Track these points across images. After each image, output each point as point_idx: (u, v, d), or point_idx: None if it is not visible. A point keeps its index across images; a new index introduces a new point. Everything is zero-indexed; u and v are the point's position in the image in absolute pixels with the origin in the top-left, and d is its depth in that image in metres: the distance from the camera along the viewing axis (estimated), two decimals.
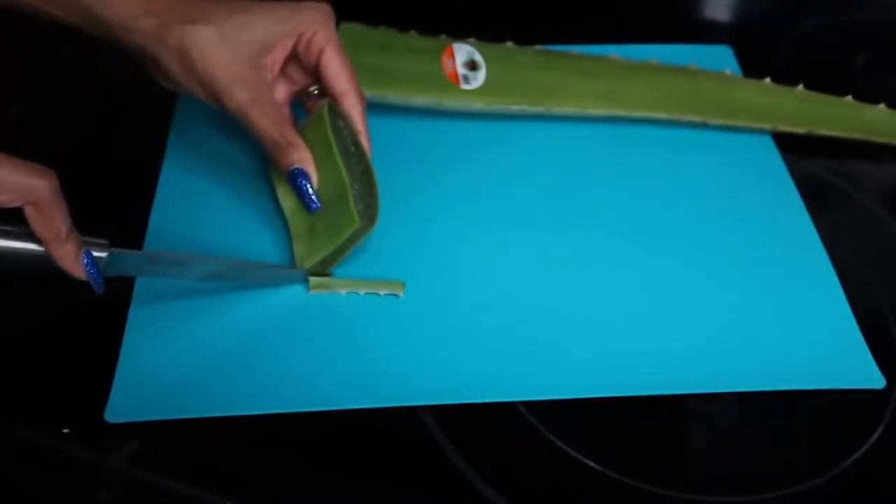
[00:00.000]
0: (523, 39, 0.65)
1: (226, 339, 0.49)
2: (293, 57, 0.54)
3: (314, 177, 0.52)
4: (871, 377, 0.49)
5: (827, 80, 0.65)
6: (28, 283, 0.48)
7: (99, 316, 0.49)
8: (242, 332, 0.50)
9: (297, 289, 0.52)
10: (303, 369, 0.48)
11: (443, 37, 0.64)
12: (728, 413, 0.49)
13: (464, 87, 0.61)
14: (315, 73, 0.54)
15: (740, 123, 0.63)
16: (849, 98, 0.64)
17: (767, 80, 0.65)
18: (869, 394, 0.49)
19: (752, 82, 0.65)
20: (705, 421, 0.49)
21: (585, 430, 0.47)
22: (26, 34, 0.67)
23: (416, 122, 0.62)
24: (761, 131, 0.64)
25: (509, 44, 0.65)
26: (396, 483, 0.45)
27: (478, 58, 0.62)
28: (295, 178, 0.51)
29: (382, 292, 0.52)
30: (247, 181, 0.57)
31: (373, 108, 0.55)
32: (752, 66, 0.68)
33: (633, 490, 0.45)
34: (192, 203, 0.56)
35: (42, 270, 0.45)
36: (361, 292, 0.52)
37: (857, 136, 0.63)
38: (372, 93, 0.57)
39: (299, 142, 0.51)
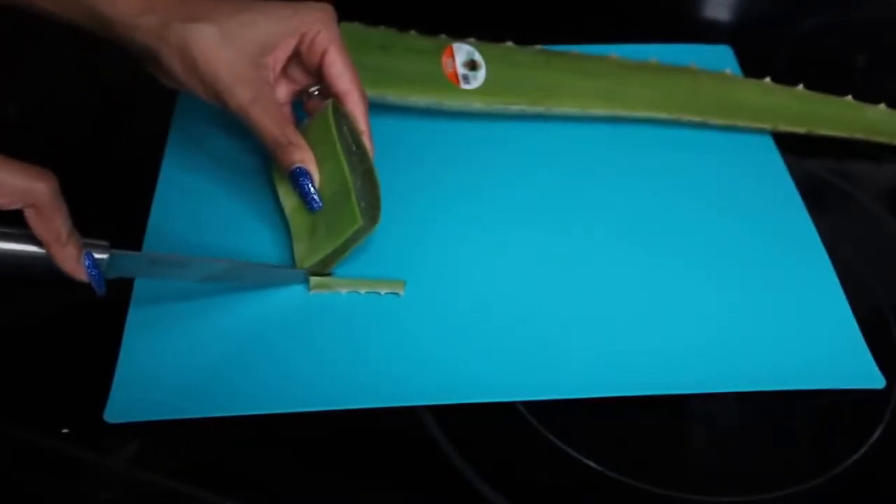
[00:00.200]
0: (523, 39, 0.65)
1: (226, 339, 0.49)
2: (295, 56, 0.54)
3: (316, 176, 0.52)
4: (871, 377, 0.49)
5: (827, 80, 0.65)
6: (27, 283, 0.48)
7: (98, 316, 0.49)
8: (242, 332, 0.50)
9: (298, 289, 0.52)
10: (303, 369, 0.48)
11: (443, 37, 0.64)
12: (728, 413, 0.49)
13: (464, 86, 0.61)
14: (317, 73, 0.54)
15: (740, 123, 0.63)
16: (849, 98, 0.64)
17: (767, 80, 0.65)
18: (869, 394, 0.49)
19: (752, 82, 0.65)
20: (705, 421, 0.49)
21: (585, 430, 0.47)
22: (26, 34, 0.67)
23: (416, 122, 0.62)
24: (761, 131, 0.64)
25: (509, 44, 0.65)
26: (396, 483, 0.45)
27: (478, 58, 0.62)
28: (296, 178, 0.51)
29: (383, 291, 0.52)
30: (247, 180, 0.57)
31: (373, 108, 0.55)
32: (752, 66, 0.68)
33: (633, 490, 0.45)
34: (192, 202, 0.56)
35: (42, 273, 0.45)
36: (362, 291, 0.52)
37: (857, 136, 0.63)
38: (372, 93, 0.57)
39: (301, 141, 0.51)
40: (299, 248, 0.53)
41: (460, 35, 0.64)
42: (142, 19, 0.50)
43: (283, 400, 0.47)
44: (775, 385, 0.49)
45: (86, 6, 0.50)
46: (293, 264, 0.53)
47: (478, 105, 0.61)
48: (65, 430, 0.46)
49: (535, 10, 0.75)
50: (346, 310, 0.51)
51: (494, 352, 0.49)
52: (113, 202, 0.57)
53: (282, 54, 0.52)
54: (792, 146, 0.63)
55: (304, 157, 0.51)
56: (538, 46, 0.65)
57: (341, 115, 0.53)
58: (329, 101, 0.54)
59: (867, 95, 0.64)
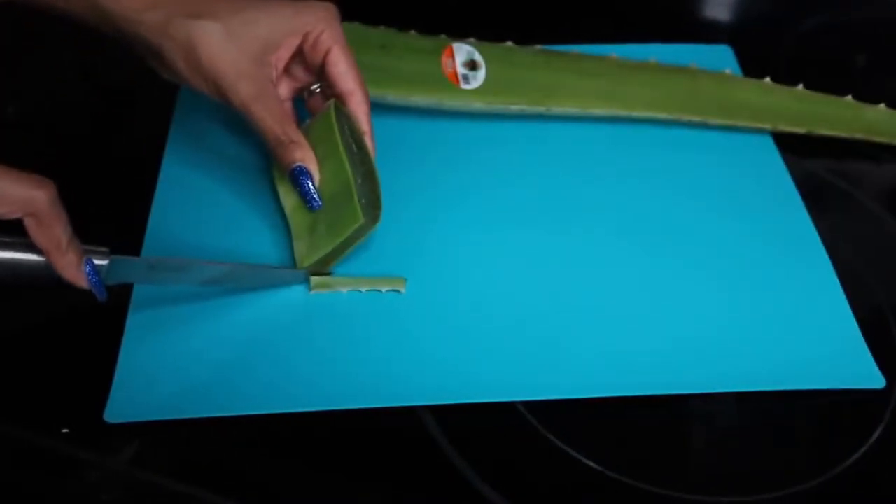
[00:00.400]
0: (523, 39, 0.65)
1: (226, 339, 0.49)
2: (298, 55, 0.54)
3: (316, 175, 0.52)
4: (871, 377, 0.49)
5: (827, 80, 0.65)
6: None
7: (99, 315, 0.49)
8: (243, 332, 0.50)
9: (298, 288, 0.52)
10: (303, 369, 0.48)
11: (443, 37, 0.64)
12: (728, 413, 0.49)
13: (464, 86, 0.61)
14: (320, 72, 0.54)
15: (740, 123, 0.63)
16: (849, 98, 0.64)
17: (767, 80, 0.65)
18: (869, 394, 0.49)
19: (752, 82, 0.65)
20: (705, 421, 0.49)
21: (585, 430, 0.47)
22: (26, 34, 0.67)
23: (416, 121, 0.62)
24: (761, 131, 0.64)
25: (509, 44, 0.65)
26: (396, 483, 0.45)
27: (478, 58, 0.62)
28: (297, 176, 0.51)
29: (384, 289, 0.52)
30: (248, 178, 0.57)
31: (373, 107, 0.55)
32: (752, 66, 0.68)
33: (633, 490, 0.45)
34: (192, 200, 0.56)
35: (43, 281, 0.45)
36: (363, 290, 0.52)
37: (857, 136, 0.63)
38: (372, 93, 0.57)
39: (302, 140, 0.51)
40: (299, 247, 0.53)
41: (460, 35, 0.64)
42: (145, 15, 0.50)
43: (283, 400, 0.47)
44: (775, 385, 0.49)
45: (89, 0, 0.50)
46: (293, 263, 0.53)
47: (478, 105, 0.61)
48: (65, 430, 0.46)
49: (535, 10, 0.75)
50: (346, 310, 0.51)
51: (494, 352, 0.49)
52: (113, 202, 0.57)
53: (285, 53, 0.53)
54: (792, 146, 0.63)
55: (305, 156, 0.51)
56: (538, 46, 0.65)
57: (343, 115, 0.53)
58: (331, 101, 0.54)
59: (867, 95, 0.64)
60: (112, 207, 0.57)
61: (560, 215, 0.57)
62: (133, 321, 0.50)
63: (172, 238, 0.54)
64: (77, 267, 0.45)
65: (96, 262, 0.46)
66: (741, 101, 0.64)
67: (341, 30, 0.53)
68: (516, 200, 0.58)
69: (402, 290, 0.52)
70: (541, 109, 0.62)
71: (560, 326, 0.51)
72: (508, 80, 0.62)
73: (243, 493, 0.44)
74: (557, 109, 0.62)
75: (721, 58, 0.69)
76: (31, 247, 0.44)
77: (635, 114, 0.63)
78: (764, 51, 0.72)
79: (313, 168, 0.51)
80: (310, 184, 0.51)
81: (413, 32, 0.64)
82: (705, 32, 0.74)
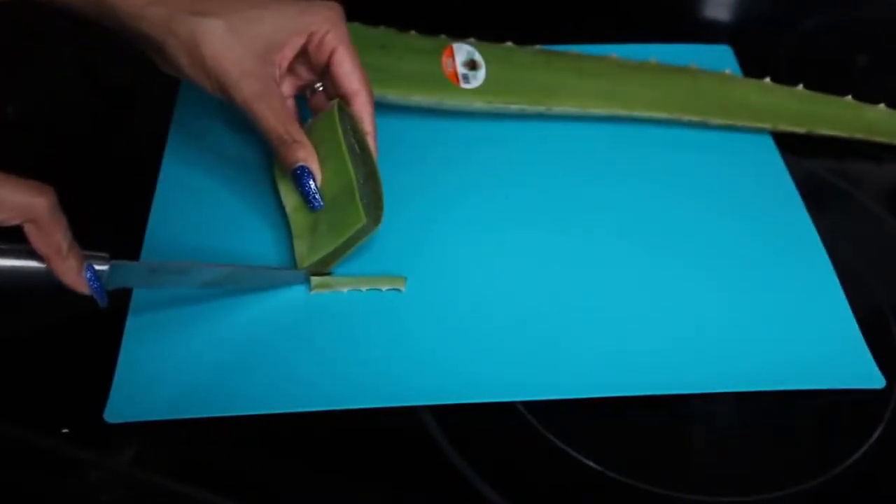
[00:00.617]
0: (523, 39, 0.65)
1: (226, 339, 0.49)
2: (301, 54, 0.54)
3: (318, 175, 0.52)
4: (871, 377, 0.49)
5: (827, 80, 0.65)
6: None
7: (99, 315, 0.49)
8: (243, 332, 0.50)
9: (298, 288, 0.52)
10: (303, 369, 0.48)
11: (443, 37, 0.64)
12: (728, 413, 0.49)
13: (464, 86, 0.61)
14: (324, 72, 0.54)
15: (740, 123, 0.63)
16: (849, 98, 0.64)
17: (767, 79, 0.65)
18: (869, 394, 0.49)
19: (752, 82, 0.65)
20: (705, 421, 0.49)
21: (585, 430, 0.47)
22: (26, 34, 0.67)
23: (416, 121, 0.62)
24: (761, 131, 0.64)
25: (509, 44, 0.65)
26: (396, 483, 0.45)
27: (478, 57, 0.62)
28: (299, 176, 0.51)
29: (384, 288, 0.52)
30: (248, 178, 0.57)
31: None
32: (752, 66, 0.68)
33: (633, 490, 0.45)
34: (192, 200, 0.56)
35: (43, 288, 0.45)
36: (364, 289, 0.52)
37: (857, 136, 0.63)
38: None
39: (304, 140, 0.51)
40: (300, 247, 0.53)
41: (460, 35, 0.64)
42: (148, 10, 0.50)
43: (283, 400, 0.47)
44: (775, 385, 0.49)
45: None
46: (293, 263, 0.53)
47: (478, 105, 0.61)
48: (65, 430, 0.46)
49: (535, 10, 0.75)
50: (347, 310, 0.51)
51: (494, 352, 0.49)
52: (113, 202, 0.57)
53: (289, 52, 0.53)
54: (792, 146, 0.63)
55: (308, 156, 0.51)
56: (538, 46, 0.65)
57: (346, 115, 0.53)
58: (335, 101, 0.54)
59: (867, 95, 0.64)
60: (112, 207, 0.57)
61: (560, 215, 0.57)
62: (133, 321, 0.50)
63: (172, 238, 0.54)
64: (78, 272, 0.45)
65: (97, 267, 0.45)
66: (741, 101, 0.64)
67: (346, 30, 0.53)
68: (516, 200, 0.58)
69: (403, 288, 0.52)
70: (541, 109, 0.62)
71: (560, 326, 0.51)
72: (508, 79, 0.62)
73: (243, 493, 0.44)
74: (557, 109, 0.62)
75: (721, 58, 0.69)
76: (31, 253, 0.44)
77: (635, 114, 0.63)
78: (764, 51, 0.72)
79: (315, 168, 0.51)
80: (312, 184, 0.51)
81: (413, 32, 0.64)
82: (705, 32, 0.74)
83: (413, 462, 0.46)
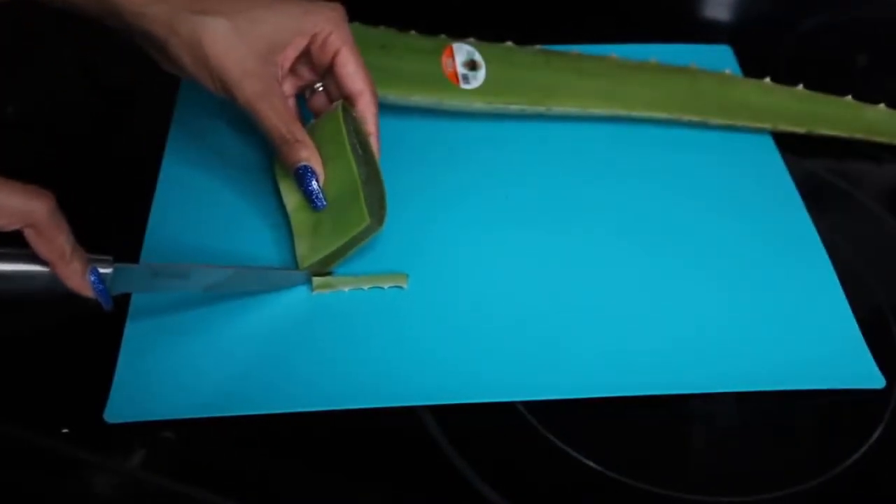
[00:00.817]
0: (523, 39, 0.65)
1: (226, 339, 0.49)
2: (303, 55, 0.54)
3: (321, 175, 0.52)
4: (871, 377, 0.49)
5: (827, 80, 0.65)
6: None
7: (99, 316, 0.49)
8: (243, 332, 0.50)
9: (300, 289, 0.52)
10: (302, 369, 0.48)
11: (443, 37, 0.64)
12: (728, 413, 0.49)
13: (464, 86, 0.61)
14: (326, 72, 0.54)
15: (740, 123, 0.63)
16: (849, 98, 0.64)
17: (767, 79, 0.65)
18: (869, 394, 0.49)
19: (752, 82, 0.65)
20: (705, 421, 0.49)
21: (585, 430, 0.47)
22: (26, 34, 0.67)
23: (416, 122, 0.62)
24: (761, 131, 0.64)
25: (509, 44, 0.65)
26: (396, 483, 0.45)
27: (478, 57, 0.62)
28: (302, 176, 0.51)
29: (387, 286, 0.52)
30: (248, 178, 0.57)
31: None
32: (752, 66, 0.68)
33: (633, 490, 0.45)
34: (193, 200, 0.56)
35: (47, 292, 0.45)
36: (366, 287, 0.52)
37: (857, 136, 0.63)
38: None
39: (307, 139, 0.51)
40: (301, 246, 0.53)
41: (460, 35, 0.64)
42: (151, 8, 0.50)
43: (283, 400, 0.47)
44: (775, 385, 0.49)
45: None
46: (294, 262, 0.53)
47: (478, 105, 0.61)
48: (65, 430, 0.46)
49: (535, 10, 0.75)
50: (347, 310, 0.51)
51: (494, 352, 0.49)
52: (113, 202, 0.57)
53: (292, 53, 0.53)
54: (792, 146, 0.63)
55: (311, 156, 0.51)
56: (538, 46, 0.65)
57: (350, 117, 0.53)
58: (339, 102, 0.54)
59: (867, 95, 0.64)
60: (112, 207, 0.57)
61: (560, 215, 0.57)
62: (133, 322, 0.50)
63: (172, 239, 0.54)
64: (82, 276, 0.45)
65: (101, 269, 0.45)
66: (741, 101, 0.64)
67: (349, 31, 0.53)
68: (516, 200, 0.58)
69: (405, 285, 0.52)
70: (541, 109, 0.62)
71: (560, 326, 0.51)
72: (508, 79, 0.62)
73: (243, 493, 0.44)
74: (557, 109, 0.62)
75: (721, 58, 0.69)
76: (34, 257, 0.44)
77: (635, 114, 0.63)
78: (764, 51, 0.72)
79: (318, 168, 0.51)
80: (314, 183, 0.51)
81: (413, 32, 0.64)
82: (705, 32, 0.74)
83: (413, 462, 0.46)
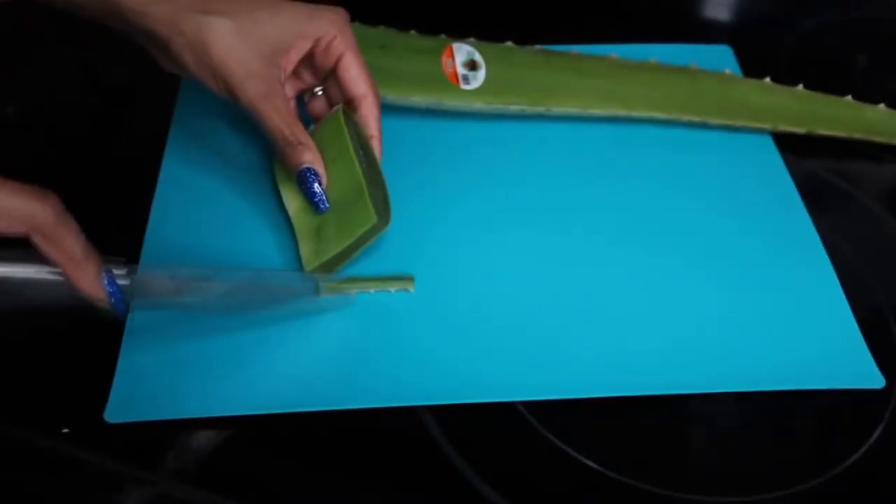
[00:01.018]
0: (523, 39, 0.65)
1: (227, 339, 0.49)
2: (306, 59, 0.54)
3: (324, 177, 0.52)
4: (871, 377, 0.49)
5: (827, 80, 0.65)
6: None
7: (99, 314, 0.49)
8: (244, 332, 0.50)
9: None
10: (303, 369, 0.48)
11: (443, 37, 0.64)
12: (728, 413, 0.49)
13: (464, 86, 0.61)
14: (328, 76, 0.54)
15: (740, 123, 0.63)
16: (849, 98, 0.64)
17: (767, 80, 0.65)
18: (869, 394, 0.49)
19: (752, 82, 0.65)
20: (705, 421, 0.49)
21: (585, 430, 0.47)
22: (26, 34, 0.67)
23: (416, 122, 0.62)
24: (761, 131, 0.64)
25: (509, 44, 0.65)
26: (396, 483, 0.45)
27: (478, 58, 0.62)
28: (305, 178, 0.51)
29: (393, 289, 0.52)
30: (249, 178, 0.57)
31: None
32: (752, 66, 0.68)
33: (633, 490, 0.45)
34: (193, 200, 0.56)
35: (59, 298, 0.43)
36: (372, 290, 0.52)
37: (857, 136, 0.63)
38: None
39: (310, 141, 0.51)
40: (305, 249, 0.53)
41: (460, 35, 0.64)
42: (153, 7, 0.50)
43: (283, 400, 0.47)
44: (775, 385, 0.49)
45: None
46: (297, 263, 0.52)
47: (478, 105, 0.61)
48: (65, 430, 0.46)
49: (535, 10, 0.75)
50: (347, 311, 0.51)
51: (494, 352, 0.49)
52: (113, 202, 0.57)
53: (295, 56, 0.52)
54: (792, 146, 0.63)
55: (314, 159, 0.51)
56: (538, 46, 0.65)
57: (350, 120, 0.53)
58: (339, 106, 0.54)
59: (867, 95, 0.64)
60: (112, 207, 0.57)
61: (560, 215, 0.57)
62: (133, 321, 0.50)
63: (173, 239, 0.54)
64: (95, 279, 0.44)
65: (116, 272, 0.44)
66: (741, 101, 0.64)
67: (353, 35, 0.53)
68: (516, 200, 0.58)
69: (412, 289, 0.52)
70: (541, 109, 0.62)
71: (560, 326, 0.51)
72: (508, 80, 0.62)
73: (243, 493, 0.44)
74: (557, 109, 0.62)
75: (721, 58, 0.69)
76: (41, 261, 0.42)
77: (635, 114, 0.63)
78: (764, 51, 0.72)
79: (321, 170, 0.51)
80: (318, 185, 0.51)
81: (413, 32, 0.64)
82: (705, 32, 0.74)
83: (413, 462, 0.46)
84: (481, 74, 0.62)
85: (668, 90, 0.64)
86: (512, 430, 0.47)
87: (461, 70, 0.62)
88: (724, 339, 0.51)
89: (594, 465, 0.46)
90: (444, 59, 0.62)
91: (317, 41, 0.52)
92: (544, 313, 0.51)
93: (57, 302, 0.44)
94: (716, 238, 0.56)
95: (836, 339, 0.51)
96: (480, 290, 0.53)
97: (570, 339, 0.50)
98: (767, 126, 0.63)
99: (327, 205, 0.52)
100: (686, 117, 0.63)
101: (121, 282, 0.45)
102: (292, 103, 0.56)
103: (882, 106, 0.64)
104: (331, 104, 0.56)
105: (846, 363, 0.50)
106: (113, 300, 0.45)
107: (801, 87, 0.64)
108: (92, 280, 0.44)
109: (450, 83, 0.61)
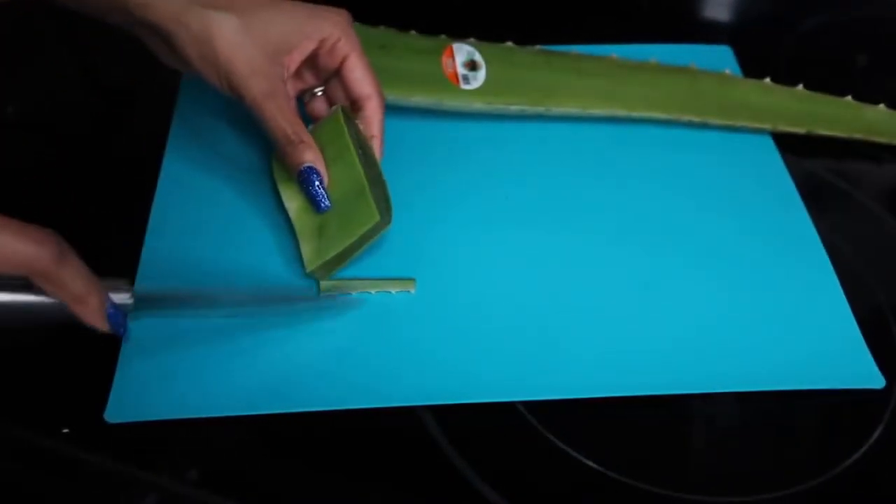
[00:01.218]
0: (523, 39, 0.65)
1: (227, 338, 0.49)
2: (308, 59, 0.54)
3: (325, 177, 0.52)
4: (871, 377, 0.50)
5: (827, 80, 0.65)
6: None
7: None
8: (244, 332, 0.50)
9: (303, 289, 0.52)
10: (303, 369, 0.48)
11: (443, 37, 0.64)
12: (728, 413, 0.49)
13: (464, 87, 0.61)
14: (331, 77, 0.54)
15: (740, 123, 0.63)
16: (849, 98, 0.64)
17: (767, 80, 0.65)
18: (869, 394, 0.49)
19: (752, 82, 0.65)
20: (705, 421, 0.49)
21: (585, 430, 0.47)
22: (26, 34, 0.67)
23: (416, 122, 0.62)
24: (761, 131, 0.64)
25: (509, 44, 0.65)
26: (396, 483, 0.45)
27: (478, 58, 0.62)
28: (306, 177, 0.51)
29: (394, 290, 0.52)
30: (249, 178, 0.57)
31: None
32: (752, 66, 0.68)
33: (633, 490, 0.45)
34: (193, 200, 0.56)
35: (56, 320, 0.43)
36: (373, 292, 0.52)
37: (857, 136, 0.63)
38: None
39: (311, 141, 0.51)
40: (307, 249, 0.52)
41: (460, 35, 0.64)
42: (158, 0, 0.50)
43: (283, 400, 0.47)
44: (775, 385, 0.49)
45: None
46: (298, 263, 0.52)
47: (478, 105, 0.61)
48: (65, 430, 0.46)
49: (535, 10, 0.75)
50: (347, 311, 0.51)
51: (494, 352, 0.49)
52: (113, 202, 0.57)
53: (298, 56, 0.52)
54: (792, 146, 0.63)
55: (316, 158, 0.51)
56: (538, 46, 0.65)
57: (350, 120, 0.53)
58: (338, 106, 0.54)
59: (867, 95, 0.64)
60: (112, 207, 0.57)
61: (560, 215, 0.57)
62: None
63: (173, 239, 0.54)
64: (98, 311, 0.43)
65: (118, 301, 0.44)
66: (741, 101, 0.64)
67: (357, 36, 0.53)
68: (516, 201, 0.58)
69: (413, 290, 0.52)
70: (541, 109, 0.62)
71: (560, 326, 0.51)
72: (508, 80, 0.62)
73: (243, 493, 0.44)
74: (557, 109, 0.62)
75: (721, 58, 0.69)
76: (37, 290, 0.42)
77: (635, 114, 0.63)
78: (764, 51, 0.72)
79: (322, 169, 0.51)
80: (319, 185, 0.51)
81: (413, 32, 0.64)
82: (705, 32, 0.74)
83: (413, 462, 0.46)
84: (481, 74, 0.62)
85: (668, 90, 0.64)
86: (512, 430, 0.47)
87: (461, 70, 0.62)
88: (724, 339, 0.51)
89: (594, 465, 0.46)
90: (444, 59, 0.62)
91: (321, 42, 0.52)
92: (544, 313, 0.51)
93: (60, 320, 0.44)
94: (716, 238, 0.56)
95: (836, 339, 0.51)
96: (480, 290, 0.53)
97: (571, 339, 0.50)
98: (767, 126, 0.63)
99: (328, 204, 0.52)
100: (686, 117, 0.63)
101: (122, 300, 0.45)
102: (293, 103, 0.56)
103: (882, 106, 0.64)
104: (331, 104, 0.56)
105: (846, 363, 0.50)
106: (116, 324, 0.45)
107: (801, 87, 0.64)
108: (95, 313, 0.43)
109: (450, 83, 0.61)
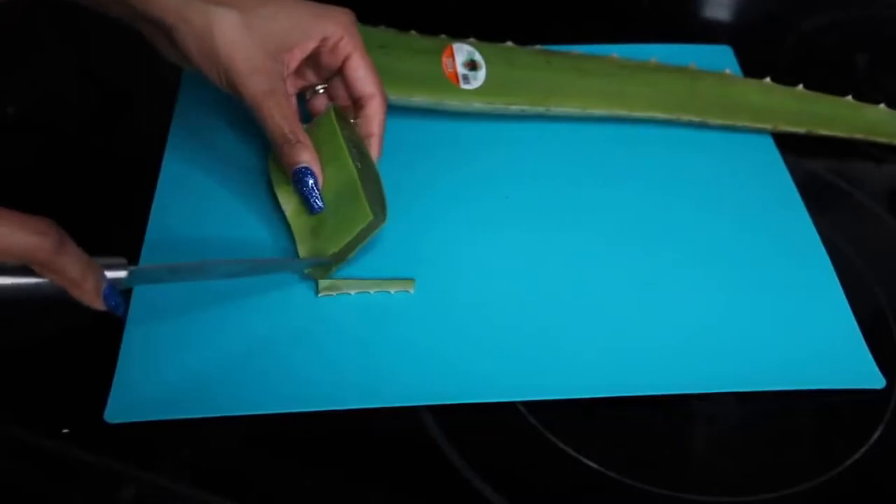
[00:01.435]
0: (523, 39, 0.65)
1: (227, 338, 0.49)
2: (310, 57, 0.54)
3: (320, 177, 0.52)
4: (871, 377, 0.50)
5: (827, 80, 0.65)
6: None
7: (99, 315, 0.49)
8: (244, 332, 0.50)
9: (303, 290, 0.52)
10: (303, 369, 0.48)
11: (443, 37, 0.64)
12: (728, 413, 0.49)
13: (464, 87, 0.61)
14: (333, 76, 0.54)
15: (740, 123, 0.63)
16: (849, 98, 0.64)
17: (767, 80, 0.65)
18: (869, 394, 0.49)
19: (752, 82, 0.65)
20: (705, 421, 0.49)
21: (585, 430, 0.47)
22: (26, 34, 0.67)
23: (416, 122, 0.62)
24: (761, 131, 0.64)
25: (509, 44, 0.65)
26: (396, 483, 0.45)
27: (478, 58, 0.62)
28: (301, 177, 0.51)
29: (393, 290, 0.52)
30: (249, 178, 0.57)
31: None
32: (752, 66, 0.68)
33: (633, 490, 0.45)
34: (193, 199, 0.56)
35: (51, 298, 0.43)
36: (372, 291, 0.52)
37: (857, 136, 0.63)
38: None
39: (308, 141, 0.51)
40: (303, 249, 0.53)
41: (460, 35, 0.64)
42: None
43: (283, 400, 0.47)
44: (775, 385, 0.49)
45: None
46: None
47: (478, 105, 0.61)
48: (65, 430, 0.46)
49: (535, 10, 0.75)
50: (347, 311, 0.51)
51: (495, 352, 0.49)
52: (113, 202, 0.57)
53: (299, 54, 0.52)
54: (792, 146, 0.63)
55: (311, 159, 0.51)
56: (538, 46, 0.65)
57: (343, 119, 0.53)
58: (330, 105, 0.54)
59: (867, 95, 0.64)
60: (112, 207, 0.57)
61: (560, 215, 0.57)
62: (133, 322, 0.50)
63: (173, 239, 0.54)
64: (95, 293, 0.43)
65: (115, 276, 0.44)
66: (741, 101, 0.64)
67: (359, 36, 0.53)
68: (515, 201, 0.58)
69: (412, 290, 0.52)
70: (541, 109, 0.62)
71: (560, 326, 0.51)
72: (509, 80, 0.62)
73: (243, 493, 0.44)
74: (558, 109, 0.62)
75: (721, 58, 0.69)
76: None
77: (635, 114, 0.63)
78: (764, 51, 0.72)
79: (317, 169, 0.51)
80: (313, 185, 0.51)
81: (413, 32, 0.64)
82: (705, 32, 0.74)
83: (413, 462, 0.46)
84: (481, 74, 0.62)
85: (668, 90, 0.64)
86: (512, 430, 0.47)
87: (461, 70, 0.62)
88: (725, 339, 0.51)
89: (594, 465, 0.46)
90: (445, 59, 0.62)
91: (323, 41, 0.52)
92: (544, 313, 0.51)
93: (57, 298, 0.44)
94: (716, 238, 0.56)
95: (836, 339, 0.51)
96: (480, 290, 0.53)
97: (571, 339, 0.50)
98: (767, 126, 0.63)
99: (323, 204, 0.52)
100: (686, 117, 0.63)
101: (120, 275, 0.45)
102: (293, 101, 0.56)
103: (882, 106, 0.64)
104: (333, 102, 0.56)
105: (846, 363, 0.50)
106: (113, 305, 0.45)
107: (801, 87, 0.64)
108: (92, 295, 0.43)
109: (450, 83, 0.61)
